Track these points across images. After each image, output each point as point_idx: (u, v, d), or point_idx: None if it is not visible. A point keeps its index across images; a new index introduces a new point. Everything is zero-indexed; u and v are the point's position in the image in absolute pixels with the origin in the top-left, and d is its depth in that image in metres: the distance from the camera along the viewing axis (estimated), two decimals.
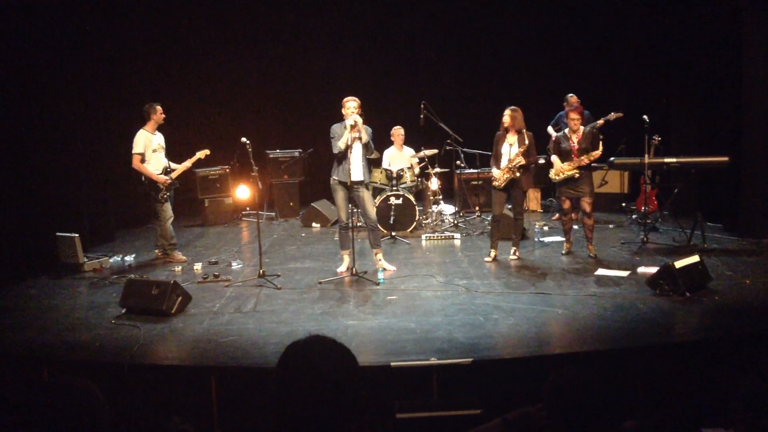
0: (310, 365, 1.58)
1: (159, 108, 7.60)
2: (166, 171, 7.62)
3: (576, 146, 7.19)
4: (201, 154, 7.86)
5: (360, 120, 6.58)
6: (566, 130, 7.42)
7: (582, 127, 7.31)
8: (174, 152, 7.95)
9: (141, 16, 10.21)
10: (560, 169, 7.25)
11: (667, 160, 7.82)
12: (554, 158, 7.38)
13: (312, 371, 1.57)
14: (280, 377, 1.59)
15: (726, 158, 7.53)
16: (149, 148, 7.49)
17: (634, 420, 2.39)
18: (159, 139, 7.63)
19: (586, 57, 10.96)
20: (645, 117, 7.48)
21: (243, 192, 10.09)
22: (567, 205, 7.42)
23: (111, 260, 7.71)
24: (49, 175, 7.73)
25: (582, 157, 7.12)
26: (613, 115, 8.40)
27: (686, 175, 8.28)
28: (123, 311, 5.71)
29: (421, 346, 4.76)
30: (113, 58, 9.47)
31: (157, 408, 4.40)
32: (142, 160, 7.45)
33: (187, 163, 7.82)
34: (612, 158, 8.37)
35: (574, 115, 7.30)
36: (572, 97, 9.53)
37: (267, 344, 4.90)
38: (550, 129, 9.36)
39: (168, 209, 7.61)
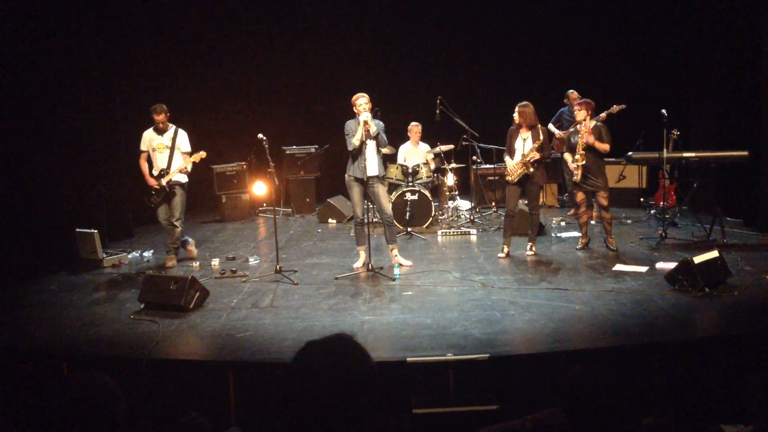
0: (328, 363, 1.59)
1: (152, 111, 7.25)
2: (162, 173, 7.31)
3: (583, 141, 7.12)
4: (195, 157, 7.39)
5: (369, 116, 6.55)
6: (579, 126, 7.36)
7: (593, 121, 7.22)
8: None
9: (159, 12, 10.28)
10: (574, 167, 7.19)
11: (685, 154, 7.73)
12: (566, 155, 7.35)
13: (329, 369, 1.58)
14: (296, 373, 1.60)
15: (745, 152, 7.43)
16: (149, 147, 7.38)
17: (653, 417, 2.37)
18: (162, 139, 7.31)
19: (604, 51, 10.87)
20: (663, 111, 7.39)
21: (260, 188, 10.17)
22: (580, 198, 7.38)
23: (130, 256, 7.79)
24: (68, 171, 7.80)
25: (580, 153, 7.06)
26: (615, 108, 8.16)
27: (705, 169, 8.18)
28: (141, 306, 5.77)
29: (437, 341, 4.76)
30: (131, 55, 9.54)
31: (174, 402, 4.44)
32: (148, 159, 7.43)
33: (181, 166, 7.29)
34: (630, 153, 8.27)
35: (578, 108, 7.22)
36: (573, 93, 9.42)
37: (284, 339, 4.92)
38: (551, 126, 9.26)
39: (160, 213, 7.39)
